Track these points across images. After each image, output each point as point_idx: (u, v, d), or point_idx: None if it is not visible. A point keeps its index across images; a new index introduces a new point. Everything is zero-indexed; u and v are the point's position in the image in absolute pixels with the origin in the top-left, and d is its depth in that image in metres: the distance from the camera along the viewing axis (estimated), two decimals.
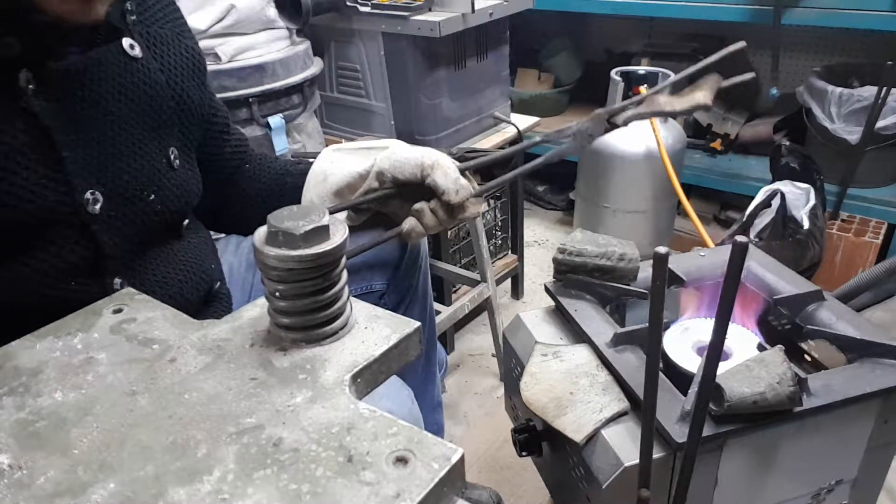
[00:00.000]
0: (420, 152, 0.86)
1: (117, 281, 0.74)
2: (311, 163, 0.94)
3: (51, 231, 0.68)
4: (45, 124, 0.66)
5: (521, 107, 2.36)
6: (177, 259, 0.84)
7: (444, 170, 0.83)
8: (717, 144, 2.35)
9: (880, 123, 1.89)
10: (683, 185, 1.87)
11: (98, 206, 0.71)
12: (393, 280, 1.05)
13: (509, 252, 2.01)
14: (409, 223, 0.84)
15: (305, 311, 0.52)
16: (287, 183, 0.97)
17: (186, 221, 0.87)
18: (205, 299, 0.89)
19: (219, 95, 1.41)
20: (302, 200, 0.92)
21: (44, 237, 0.68)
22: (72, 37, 0.70)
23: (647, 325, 0.65)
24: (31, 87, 0.65)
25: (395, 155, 0.86)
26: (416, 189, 0.85)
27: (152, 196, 0.78)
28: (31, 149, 0.66)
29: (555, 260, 1.00)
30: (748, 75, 0.84)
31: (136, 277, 0.77)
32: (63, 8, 0.65)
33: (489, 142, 1.73)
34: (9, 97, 0.64)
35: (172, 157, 0.81)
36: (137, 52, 0.76)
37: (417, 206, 0.84)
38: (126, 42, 0.75)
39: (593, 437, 0.79)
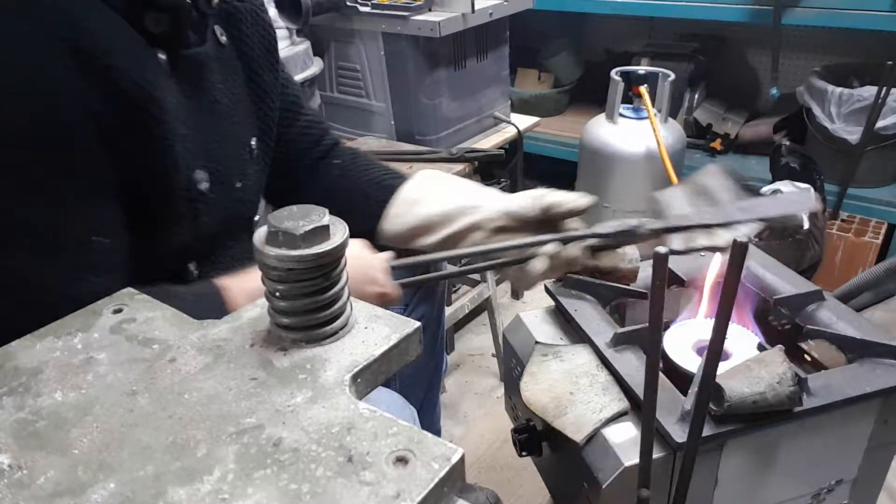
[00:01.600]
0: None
1: (192, 265, 0.75)
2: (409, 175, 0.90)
3: (170, 207, 0.70)
4: (167, 103, 0.67)
5: (521, 107, 2.36)
6: (246, 256, 0.83)
7: (567, 199, 0.80)
8: (717, 144, 2.35)
9: (880, 123, 1.89)
10: None
11: (204, 186, 0.73)
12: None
13: None
14: (539, 264, 0.80)
15: (305, 311, 0.52)
16: (371, 196, 0.91)
17: (258, 217, 0.86)
18: None
19: None
20: (383, 221, 0.86)
21: (163, 214, 0.70)
22: (200, 25, 0.72)
23: (647, 325, 0.65)
24: (168, 68, 0.67)
25: (504, 195, 0.82)
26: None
27: (239, 184, 0.79)
28: (180, 124, 0.68)
29: None
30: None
31: (209, 267, 0.77)
32: None
33: (489, 142, 1.73)
34: (163, 73, 0.66)
35: (253, 145, 0.81)
36: (224, 38, 0.77)
37: (548, 247, 0.81)
38: (217, 29, 0.76)
39: (593, 437, 0.79)
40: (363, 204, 0.90)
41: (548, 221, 0.82)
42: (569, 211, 0.80)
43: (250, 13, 0.81)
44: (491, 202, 0.81)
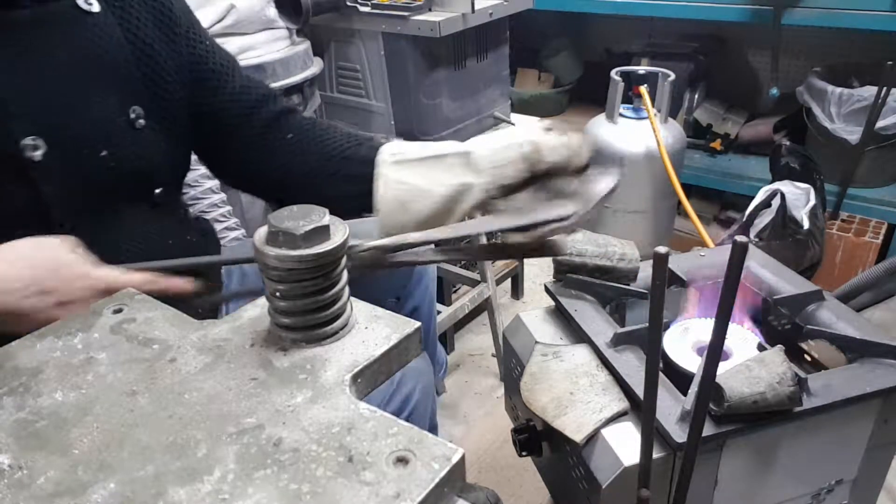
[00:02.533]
0: (507, 141, 0.73)
1: (59, 232, 0.72)
2: (374, 144, 0.83)
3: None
4: None
5: (521, 107, 2.36)
6: (141, 228, 0.82)
7: (547, 144, 0.72)
8: (717, 144, 2.35)
9: (880, 123, 1.89)
10: (683, 185, 1.86)
11: (39, 153, 0.71)
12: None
13: None
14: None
15: (306, 311, 0.52)
16: (333, 171, 0.86)
17: (159, 190, 0.84)
18: None
19: None
20: (378, 233, 0.77)
21: None
22: None
23: (647, 325, 0.65)
24: None
25: (484, 161, 0.74)
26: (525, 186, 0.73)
27: (104, 152, 0.77)
28: None
29: (555, 260, 0.99)
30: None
31: (88, 232, 0.74)
32: None
33: None
34: None
35: (133, 115, 0.79)
36: (95, 7, 0.76)
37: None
38: None
39: (593, 437, 0.79)
40: (326, 183, 0.86)
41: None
42: (561, 168, 0.73)
43: None
44: (481, 177, 0.74)
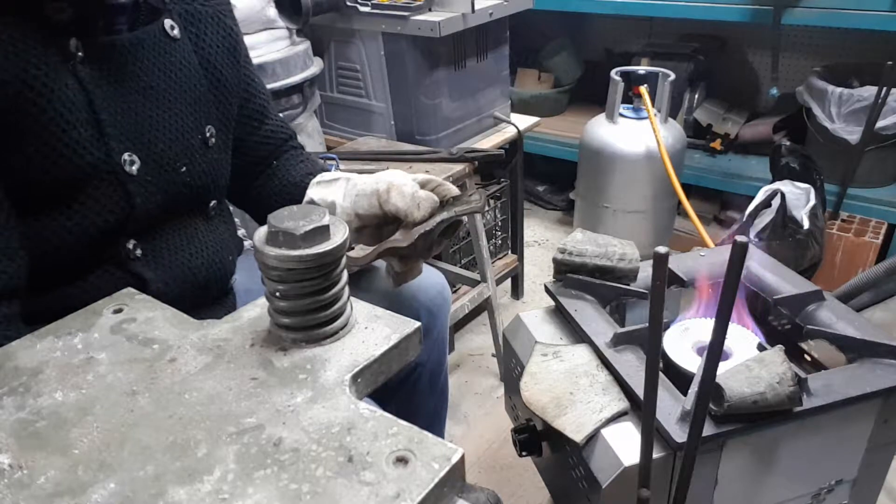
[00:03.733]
0: (374, 178, 0.84)
1: (132, 242, 0.78)
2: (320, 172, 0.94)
3: (94, 188, 0.73)
4: (90, 89, 0.72)
5: (521, 107, 2.35)
6: (197, 238, 0.86)
7: (399, 189, 0.80)
8: (717, 144, 2.35)
9: (880, 123, 1.89)
10: (683, 185, 1.87)
11: (135, 168, 0.76)
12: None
13: (509, 252, 2.01)
14: (389, 265, 0.82)
15: (306, 311, 0.52)
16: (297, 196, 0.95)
17: (213, 203, 0.89)
18: (221, 289, 0.91)
19: None
20: None
21: (88, 193, 0.73)
22: (116, 14, 0.75)
23: (647, 325, 0.65)
24: (80, 54, 0.71)
25: (353, 189, 0.85)
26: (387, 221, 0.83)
27: (184, 168, 0.82)
28: (78, 110, 0.71)
29: (555, 260, 0.99)
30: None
31: (152, 243, 0.80)
32: None
33: (489, 142, 1.73)
34: (62, 60, 0.70)
35: (208, 134, 0.85)
36: (176, 32, 0.81)
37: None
38: (167, 23, 0.80)
39: (593, 437, 0.79)
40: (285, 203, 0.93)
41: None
42: (402, 215, 0.80)
43: (212, 17, 0.87)
44: (345, 201, 0.85)
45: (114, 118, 0.74)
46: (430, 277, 1.02)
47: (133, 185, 0.76)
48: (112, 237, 0.76)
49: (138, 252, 0.79)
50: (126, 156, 0.75)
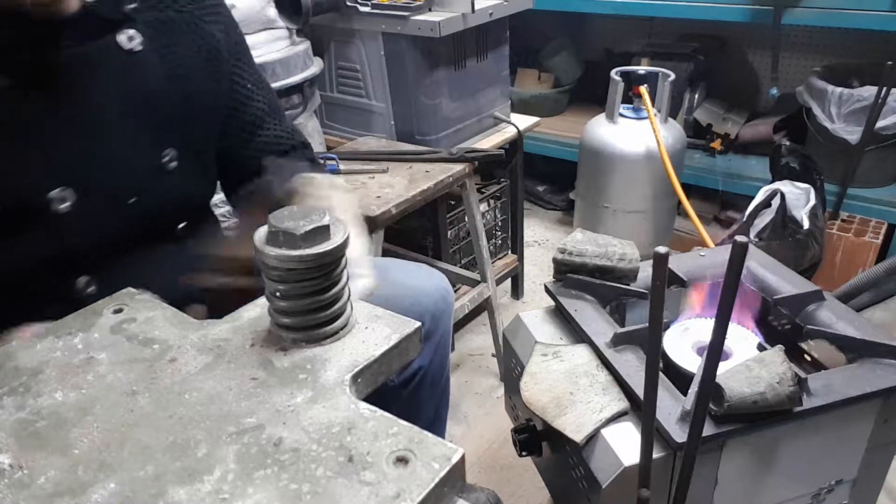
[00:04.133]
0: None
1: (82, 280, 0.72)
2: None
3: (21, 226, 0.67)
4: (17, 119, 0.65)
5: (521, 107, 2.35)
6: (167, 263, 0.79)
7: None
8: (717, 144, 2.34)
9: (880, 123, 1.89)
10: (683, 185, 1.86)
11: (67, 205, 0.68)
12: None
13: (509, 252, 2.01)
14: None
15: (306, 311, 0.52)
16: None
17: (183, 225, 0.82)
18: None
19: None
20: None
21: (18, 231, 0.67)
22: (58, 30, 0.66)
23: (647, 325, 0.65)
24: (5, 79, 0.64)
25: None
26: None
27: (133, 199, 0.74)
28: (3, 142, 0.65)
29: (555, 260, 0.99)
30: None
31: (109, 277, 0.72)
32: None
33: (489, 142, 1.73)
34: None
35: (166, 159, 0.77)
36: (136, 44, 0.72)
37: None
38: (123, 35, 0.71)
39: (593, 437, 0.79)
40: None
41: None
42: None
43: (189, 23, 0.78)
44: None
45: (43, 150, 0.67)
46: (433, 281, 1.00)
47: (65, 224, 0.68)
48: (58, 274, 0.70)
49: (91, 289, 0.72)
50: (56, 192, 0.67)
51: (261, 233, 0.51)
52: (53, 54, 0.67)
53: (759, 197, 1.82)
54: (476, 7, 1.53)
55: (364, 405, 0.46)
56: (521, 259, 2.01)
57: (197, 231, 0.85)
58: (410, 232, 1.85)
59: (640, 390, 0.78)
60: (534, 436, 0.93)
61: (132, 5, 0.72)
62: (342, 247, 0.51)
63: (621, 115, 1.97)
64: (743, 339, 0.93)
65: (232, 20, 0.85)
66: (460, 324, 1.94)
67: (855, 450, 0.87)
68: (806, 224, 1.73)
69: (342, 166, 1.47)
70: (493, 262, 1.89)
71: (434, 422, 1.12)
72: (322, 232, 0.50)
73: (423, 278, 1.00)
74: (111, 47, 0.70)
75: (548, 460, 0.95)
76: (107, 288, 0.67)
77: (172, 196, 0.79)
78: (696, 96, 2.33)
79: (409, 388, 1.02)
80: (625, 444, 0.78)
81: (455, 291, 1.82)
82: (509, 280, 2.05)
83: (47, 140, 0.68)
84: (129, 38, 0.72)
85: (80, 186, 0.69)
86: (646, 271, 1.00)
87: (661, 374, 0.77)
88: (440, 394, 1.11)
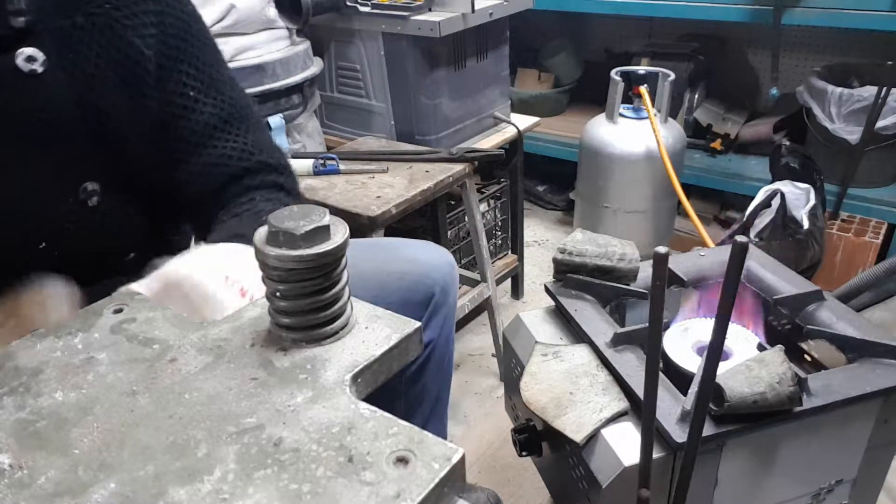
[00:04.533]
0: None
1: None
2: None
3: None
4: None
5: (521, 107, 2.36)
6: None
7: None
8: (717, 144, 2.35)
9: (880, 123, 1.89)
10: (683, 185, 1.86)
11: None
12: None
13: (509, 252, 2.01)
14: None
15: (306, 311, 0.52)
16: None
17: (132, 256, 0.72)
18: None
19: None
20: None
21: None
22: None
23: (647, 325, 0.65)
24: None
25: None
26: None
27: (43, 244, 0.64)
28: None
29: (555, 260, 0.99)
30: None
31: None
32: None
33: (489, 142, 1.73)
34: None
35: (83, 196, 0.65)
36: (38, 65, 0.60)
37: None
38: (21, 56, 0.60)
39: (593, 437, 0.79)
40: None
41: None
42: None
43: (102, 29, 0.64)
44: None
45: None
46: (441, 256, 1.02)
47: None
48: None
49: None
50: None
51: (261, 233, 0.51)
52: None
53: (759, 197, 1.82)
54: (476, 7, 1.53)
55: (364, 405, 0.46)
56: (521, 259, 2.01)
57: (156, 257, 0.72)
58: (410, 232, 1.85)
59: (640, 390, 0.78)
60: (534, 436, 0.93)
61: (22, 18, 0.60)
62: (342, 247, 0.51)
63: (621, 115, 1.97)
64: (743, 339, 0.93)
65: (174, 15, 0.71)
66: (460, 324, 1.94)
67: (855, 450, 0.87)
68: (806, 224, 1.73)
69: (342, 166, 1.47)
70: (493, 262, 1.89)
71: (436, 404, 1.12)
72: (322, 232, 0.50)
73: (432, 253, 1.02)
74: (6, 71, 0.59)
75: (548, 460, 0.95)
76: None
77: (100, 234, 0.68)
78: (696, 96, 2.33)
79: (417, 362, 1.02)
80: (625, 444, 0.78)
81: None
82: (509, 280, 2.05)
83: None
84: (29, 59, 0.60)
85: None
86: (646, 271, 1.00)
87: (661, 374, 0.77)
88: (444, 373, 1.11)
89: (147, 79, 0.69)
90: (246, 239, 0.62)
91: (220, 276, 0.58)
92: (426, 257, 1.00)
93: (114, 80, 0.66)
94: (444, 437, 1.18)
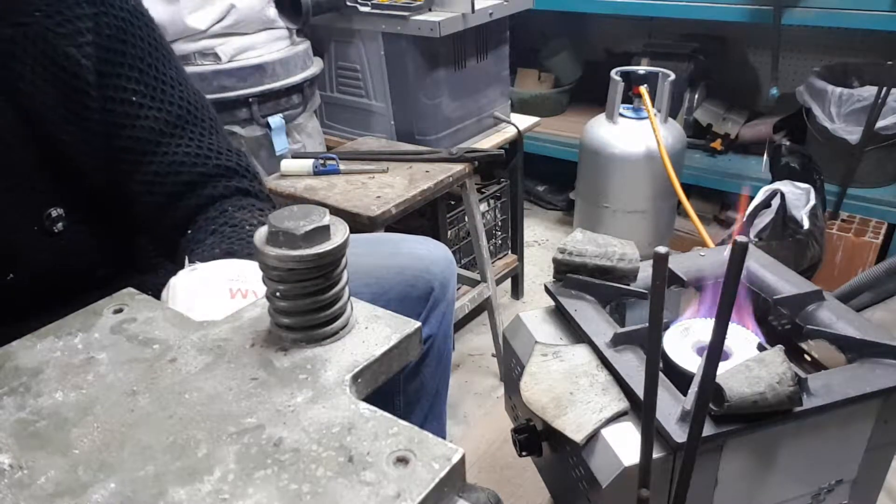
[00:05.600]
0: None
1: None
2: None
3: None
4: None
5: (521, 107, 2.36)
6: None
7: None
8: (717, 144, 2.35)
9: (880, 123, 1.89)
10: (683, 185, 1.87)
11: None
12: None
13: (509, 252, 2.01)
14: None
15: (306, 312, 0.52)
16: None
17: (102, 272, 0.68)
18: None
19: (219, 96, 1.43)
20: None
21: None
22: None
23: (647, 325, 0.65)
24: None
25: None
26: None
27: (11, 275, 0.61)
28: None
29: (555, 260, 0.99)
30: None
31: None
32: None
33: (489, 142, 1.73)
34: None
35: (49, 221, 0.62)
36: None
37: None
38: None
39: (593, 437, 0.79)
40: None
41: None
42: None
43: (34, 40, 0.59)
44: None
45: None
46: (440, 251, 1.04)
47: None
48: None
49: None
50: None
51: (261, 233, 0.51)
52: None
53: (759, 197, 1.82)
54: (476, 7, 1.53)
55: (364, 405, 0.46)
56: (521, 259, 2.01)
57: (127, 270, 0.71)
58: (410, 232, 1.85)
59: (640, 390, 0.78)
60: (534, 436, 0.93)
61: None
62: (342, 247, 0.51)
63: (621, 115, 1.97)
64: (743, 339, 0.93)
65: (111, 14, 0.66)
66: (460, 324, 1.94)
67: (855, 450, 0.87)
68: (806, 224, 1.73)
69: (342, 166, 1.47)
70: (493, 262, 1.89)
71: (435, 398, 1.12)
72: (322, 232, 0.50)
73: (431, 248, 1.03)
74: None
75: (548, 460, 0.95)
76: None
77: (68, 258, 0.65)
78: (696, 96, 2.33)
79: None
80: (625, 444, 0.78)
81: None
82: (509, 280, 2.05)
83: None
84: None
85: None
86: (646, 271, 1.00)
87: (661, 374, 0.77)
88: (443, 368, 1.12)
89: (89, 91, 0.64)
90: (240, 255, 0.59)
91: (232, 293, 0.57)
92: (425, 252, 1.02)
93: (54, 96, 0.60)
94: (443, 433, 1.20)
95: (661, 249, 0.59)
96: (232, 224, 0.69)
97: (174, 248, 0.71)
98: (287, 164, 1.46)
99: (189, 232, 0.69)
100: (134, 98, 0.67)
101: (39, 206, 0.61)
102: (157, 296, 0.63)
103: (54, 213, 0.62)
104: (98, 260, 0.68)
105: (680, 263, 1.06)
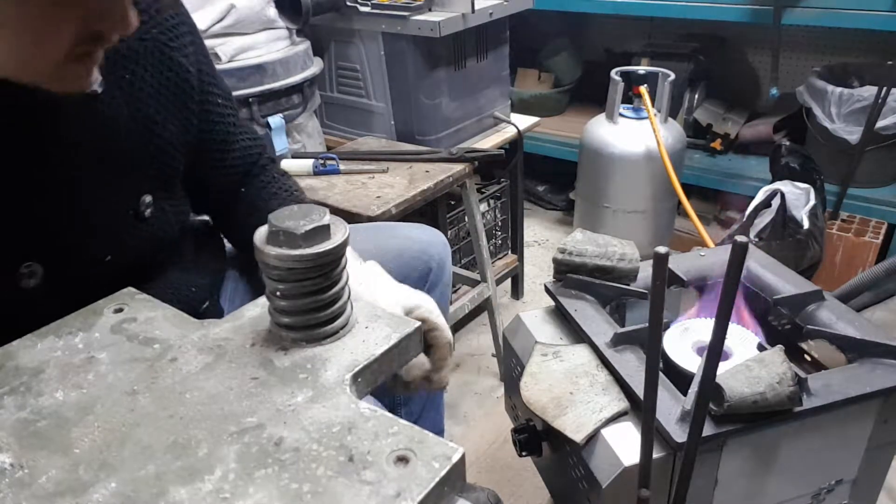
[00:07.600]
0: (396, 298, 0.71)
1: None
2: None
3: None
4: None
5: (521, 107, 2.36)
6: (162, 279, 0.75)
7: (439, 322, 0.72)
8: (717, 144, 2.35)
9: (880, 123, 1.89)
10: (683, 185, 1.86)
11: (35, 280, 0.62)
12: None
13: (509, 252, 2.01)
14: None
15: (306, 311, 0.52)
16: None
17: (162, 255, 0.76)
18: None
19: None
20: None
21: None
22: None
23: (647, 325, 0.65)
24: None
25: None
26: None
27: (109, 257, 0.67)
28: None
29: (555, 260, 1.00)
30: None
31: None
32: (54, 87, 0.54)
33: (489, 142, 1.73)
34: None
35: (143, 207, 0.70)
36: (98, 85, 0.62)
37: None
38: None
39: (593, 437, 0.79)
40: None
41: None
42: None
43: (153, 52, 0.70)
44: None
45: (9, 222, 0.59)
46: (435, 235, 1.07)
47: (33, 299, 0.61)
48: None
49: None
50: (24, 268, 0.60)
51: (261, 232, 0.51)
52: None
53: (759, 197, 1.82)
54: (476, 7, 1.53)
55: (364, 405, 0.46)
56: (521, 259, 2.01)
57: (170, 255, 0.79)
58: None
59: (640, 390, 0.78)
60: (534, 436, 0.93)
61: None
62: (342, 246, 0.51)
63: (621, 115, 1.97)
64: (743, 339, 0.93)
65: (196, 34, 0.79)
66: (460, 324, 1.94)
67: (855, 450, 0.88)
68: (806, 224, 1.73)
69: (342, 166, 1.47)
70: (493, 262, 1.89)
71: (431, 395, 1.13)
72: (322, 231, 0.50)
73: (427, 232, 1.08)
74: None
75: (548, 460, 0.95)
76: None
77: (147, 246, 0.72)
78: (696, 96, 2.33)
79: None
80: (625, 444, 0.78)
81: (455, 291, 1.82)
82: (509, 280, 2.05)
83: (10, 209, 0.60)
84: (95, 79, 0.61)
85: (50, 259, 0.63)
86: (646, 271, 1.00)
87: (661, 374, 0.77)
88: None
89: (191, 93, 0.76)
90: None
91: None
92: (422, 235, 1.06)
93: (164, 96, 0.72)
94: (441, 423, 1.20)
95: (661, 249, 0.59)
96: (286, 189, 0.88)
97: (237, 198, 0.86)
98: (287, 164, 1.46)
99: (245, 199, 0.86)
100: (220, 100, 0.81)
101: (137, 194, 0.70)
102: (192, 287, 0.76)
103: (146, 200, 0.70)
104: (171, 245, 0.77)
105: (680, 263, 1.06)
